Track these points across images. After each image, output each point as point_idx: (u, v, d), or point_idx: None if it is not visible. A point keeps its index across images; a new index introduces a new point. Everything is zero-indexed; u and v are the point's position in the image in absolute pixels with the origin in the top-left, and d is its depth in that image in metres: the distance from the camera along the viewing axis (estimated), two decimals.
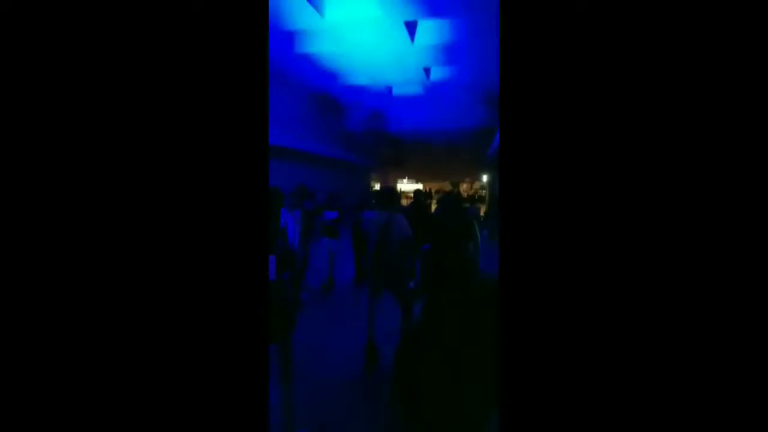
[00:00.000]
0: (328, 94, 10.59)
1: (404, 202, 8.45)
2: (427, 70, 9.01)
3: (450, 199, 3.50)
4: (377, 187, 16.41)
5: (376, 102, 11.89)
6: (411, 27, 6.65)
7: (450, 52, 7.63)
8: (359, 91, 10.70)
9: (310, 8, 5.84)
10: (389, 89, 10.66)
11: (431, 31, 6.87)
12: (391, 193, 3.60)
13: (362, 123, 12.89)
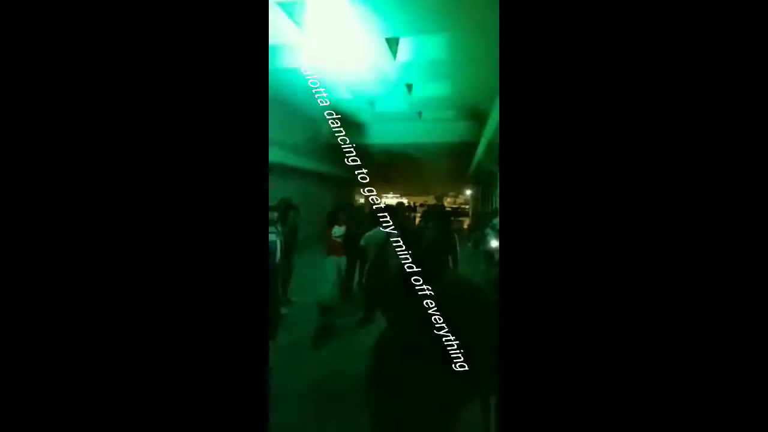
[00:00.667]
0: (310, 109, 10.57)
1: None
2: (409, 86, 9.09)
3: (434, 213, 3.61)
4: (361, 201, 16.47)
5: (359, 116, 11.95)
6: (393, 44, 6.69)
7: (432, 69, 7.71)
8: (341, 106, 10.73)
9: (289, 21, 5.80)
10: (372, 104, 10.71)
11: (413, 47, 6.93)
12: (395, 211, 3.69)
13: (345, 137, 12.91)
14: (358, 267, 4.81)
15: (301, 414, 2.47)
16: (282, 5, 5.48)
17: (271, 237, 3.78)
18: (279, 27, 6.06)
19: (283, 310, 4.36)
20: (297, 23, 5.94)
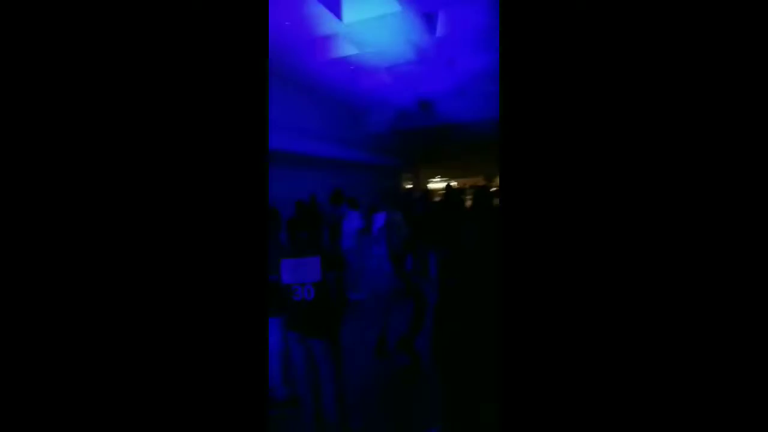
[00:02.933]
0: (353, 98, 10.65)
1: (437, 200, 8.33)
2: (451, 62, 8.79)
3: (481, 194, 3.54)
4: (409, 187, 16.35)
5: (401, 100, 11.82)
6: (431, 19, 6.49)
7: (472, 42, 7.38)
8: (383, 91, 10.68)
9: (328, 13, 5.85)
10: (415, 85, 10.54)
11: (451, 21, 6.67)
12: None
13: (389, 123, 12.87)
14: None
15: None
16: None
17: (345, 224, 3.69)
18: (319, 20, 6.15)
19: None
20: (335, 14, 5.98)
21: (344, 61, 7.97)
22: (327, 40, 7.24)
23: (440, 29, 6.68)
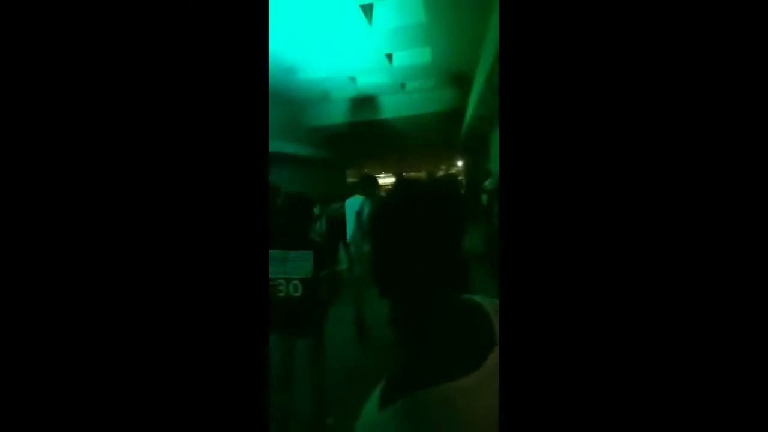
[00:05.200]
0: (290, 91, 10.25)
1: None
2: (389, 56, 8.79)
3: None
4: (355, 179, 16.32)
5: (341, 93, 11.63)
6: (367, 10, 6.39)
7: (410, 35, 7.42)
8: (321, 84, 10.40)
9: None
10: (353, 79, 10.39)
11: (389, 13, 6.63)
12: (370, 179, 4.08)
13: (329, 117, 12.62)
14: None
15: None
16: None
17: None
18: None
19: None
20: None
21: (276, 53, 7.60)
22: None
23: (377, 21, 6.61)
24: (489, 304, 0.82)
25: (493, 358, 0.72)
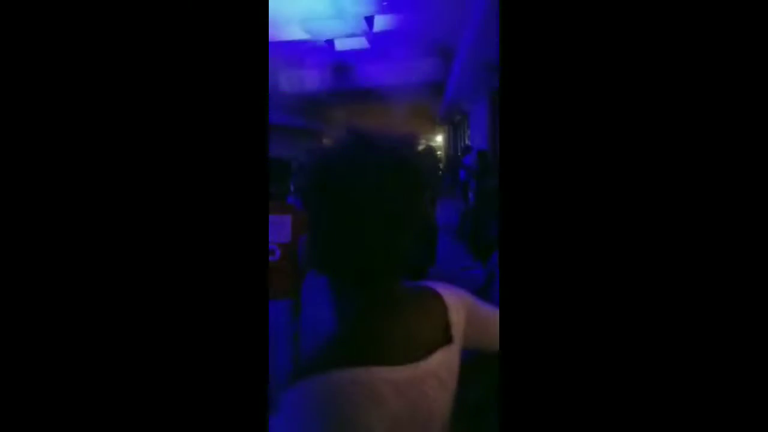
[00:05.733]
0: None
1: None
2: (369, 20, 8.38)
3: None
4: None
5: (318, 59, 11.10)
6: None
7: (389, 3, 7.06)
8: (297, 48, 9.87)
9: None
10: (330, 44, 9.90)
11: None
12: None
13: (305, 83, 12.10)
14: None
15: None
16: None
17: None
18: None
19: None
20: None
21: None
22: None
23: None
24: (450, 295, 0.73)
25: (437, 358, 0.66)
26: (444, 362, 0.67)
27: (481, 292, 2.20)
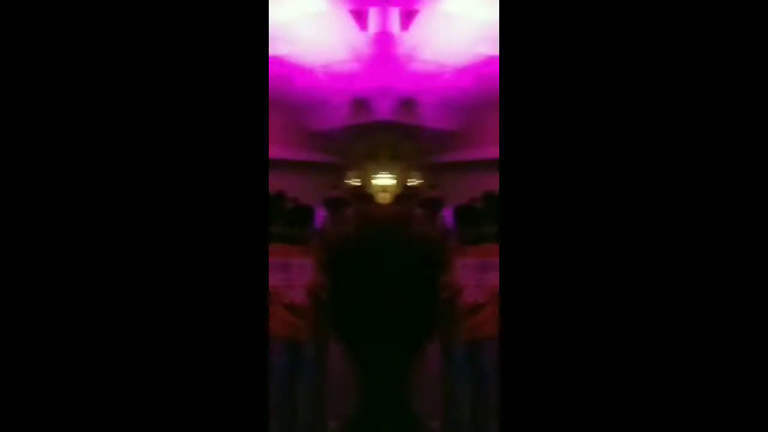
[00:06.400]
0: (287, 95, 10.34)
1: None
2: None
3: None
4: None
5: (340, 97, 11.66)
6: (359, 15, 6.51)
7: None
8: (319, 89, 10.47)
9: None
10: (349, 83, 10.44)
11: (381, 17, 6.74)
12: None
13: (327, 119, 12.65)
14: None
15: None
16: None
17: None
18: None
19: None
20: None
21: (277, 60, 7.72)
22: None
23: (371, 26, 6.72)
24: None
25: None
26: None
27: None
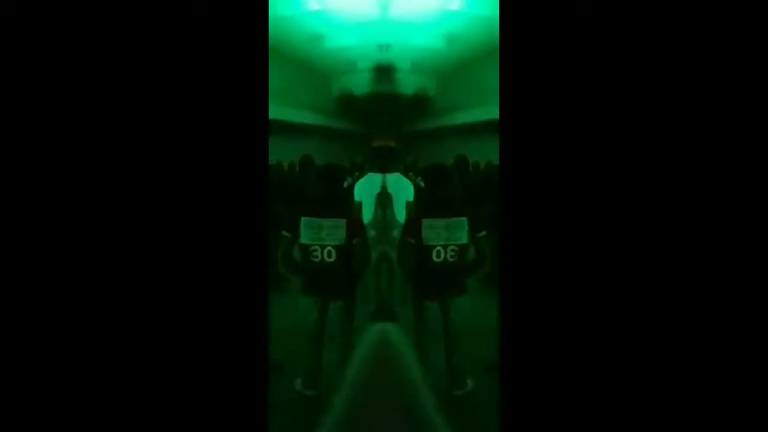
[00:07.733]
0: (316, 59, 10.04)
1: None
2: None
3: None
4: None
5: (368, 61, 11.28)
6: None
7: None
8: (349, 52, 10.11)
9: None
10: (382, 47, 10.00)
11: None
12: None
13: (357, 86, 12.37)
14: None
15: None
16: None
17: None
18: None
19: None
20: None
21: (302, 19, 7.38)
22: None
23: None
24: None
25: None
26: None
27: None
